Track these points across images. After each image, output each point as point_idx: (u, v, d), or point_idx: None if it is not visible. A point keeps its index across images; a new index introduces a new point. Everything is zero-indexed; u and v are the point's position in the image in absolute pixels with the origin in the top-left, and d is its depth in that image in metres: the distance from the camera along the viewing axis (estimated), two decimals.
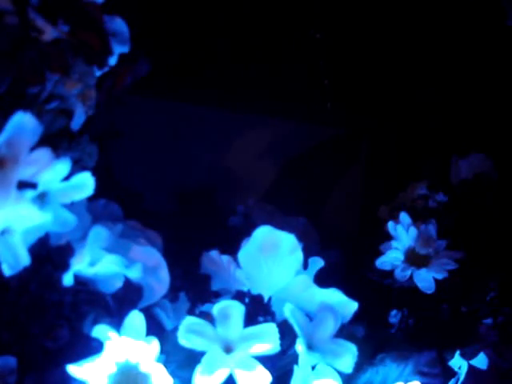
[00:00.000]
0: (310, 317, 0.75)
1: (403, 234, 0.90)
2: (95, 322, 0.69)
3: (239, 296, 0.74)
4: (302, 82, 1.09)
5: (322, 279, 0.80)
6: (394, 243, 0.89)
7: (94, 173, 0.68)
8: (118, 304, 0.71)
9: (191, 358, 0.70)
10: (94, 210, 0.74)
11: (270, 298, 0.76)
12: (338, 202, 1.12)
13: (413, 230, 0.90)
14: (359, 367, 0.76)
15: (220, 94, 1.07)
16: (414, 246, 0.90)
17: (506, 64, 1.02)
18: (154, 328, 0.71)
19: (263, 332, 0.70)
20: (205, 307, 0.75)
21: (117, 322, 0.69)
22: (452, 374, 0.83)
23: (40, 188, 0.64)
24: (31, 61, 0.65)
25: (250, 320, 0.72)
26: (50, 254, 0.67)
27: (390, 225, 0.90)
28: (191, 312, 0.75)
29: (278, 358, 0.71)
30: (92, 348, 0.67)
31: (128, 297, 0.72)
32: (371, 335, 0.84)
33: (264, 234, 0.77)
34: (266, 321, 0.72)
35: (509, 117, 1.03)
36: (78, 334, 0.67)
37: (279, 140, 1.11)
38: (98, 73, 0.72)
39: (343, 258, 0.96)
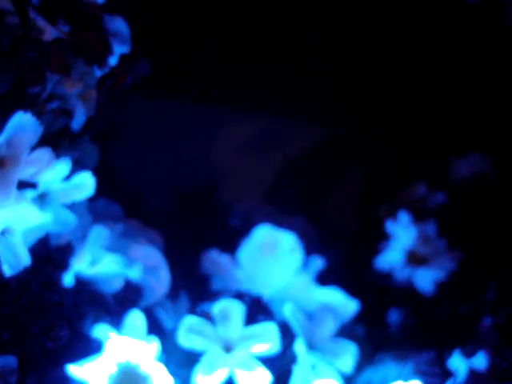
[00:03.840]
0: (309, 317, 0.75)
1: (403, 234, 0.90)
2: (95, 321, 0.69)
3: (239, 296, 0.74)
4: (301, 82, 1.09)
5: (322, 279, 0.80)
6: (393, 243, 0.89)
7: (94, 173, 0.68)
8: (117, 304, 0.71)
9: (191, 358, 0.70)
10: (94, 209, 0.74)
11: (269, 298, 0.76)
12: (338, 202, 1.12)
13: (413, 230, 0.90)
14: (359, 367, 0.76)
15: (220, 94, 1.07)
16: (414, 246, 0.90)
17: (505, 64, 1.02)
18: (154, 328, 0.71)
19: (263, 332, 0.71)
20: (205, 307, 0.75)
21: (117, 322, 0.69)
22: (451, 373, 0.83)
23: (40, 188, 0.64)
24: (31, 61, 0.65)
25: (250, 320, 0.72)
26: (50, 254, 0.67)
27: (390, 224, 0.90)
28: (191, 312, 0.75)
29: (278, 358, 0.71)
30: (92, 348, 0.67)
31: (128, 297, 0.72)
32: (371, 335, 0.84)
33: (264, 233, 0.77)
34: (265, 321, 0.73)
35: (508, 117, 1.02)
36: (78, 333, 0.67)
37: (279, 140, 1.11)
38: (98, 73, 0.72)
39: (343, 258, 0.96)
